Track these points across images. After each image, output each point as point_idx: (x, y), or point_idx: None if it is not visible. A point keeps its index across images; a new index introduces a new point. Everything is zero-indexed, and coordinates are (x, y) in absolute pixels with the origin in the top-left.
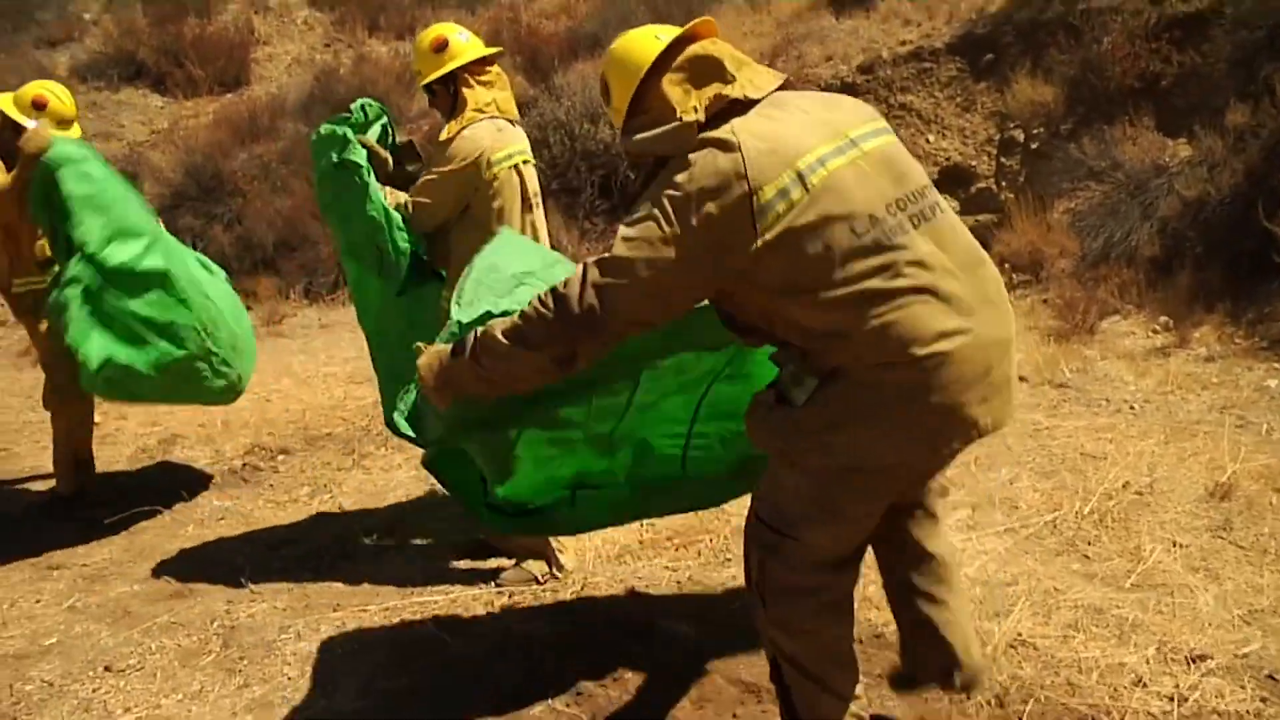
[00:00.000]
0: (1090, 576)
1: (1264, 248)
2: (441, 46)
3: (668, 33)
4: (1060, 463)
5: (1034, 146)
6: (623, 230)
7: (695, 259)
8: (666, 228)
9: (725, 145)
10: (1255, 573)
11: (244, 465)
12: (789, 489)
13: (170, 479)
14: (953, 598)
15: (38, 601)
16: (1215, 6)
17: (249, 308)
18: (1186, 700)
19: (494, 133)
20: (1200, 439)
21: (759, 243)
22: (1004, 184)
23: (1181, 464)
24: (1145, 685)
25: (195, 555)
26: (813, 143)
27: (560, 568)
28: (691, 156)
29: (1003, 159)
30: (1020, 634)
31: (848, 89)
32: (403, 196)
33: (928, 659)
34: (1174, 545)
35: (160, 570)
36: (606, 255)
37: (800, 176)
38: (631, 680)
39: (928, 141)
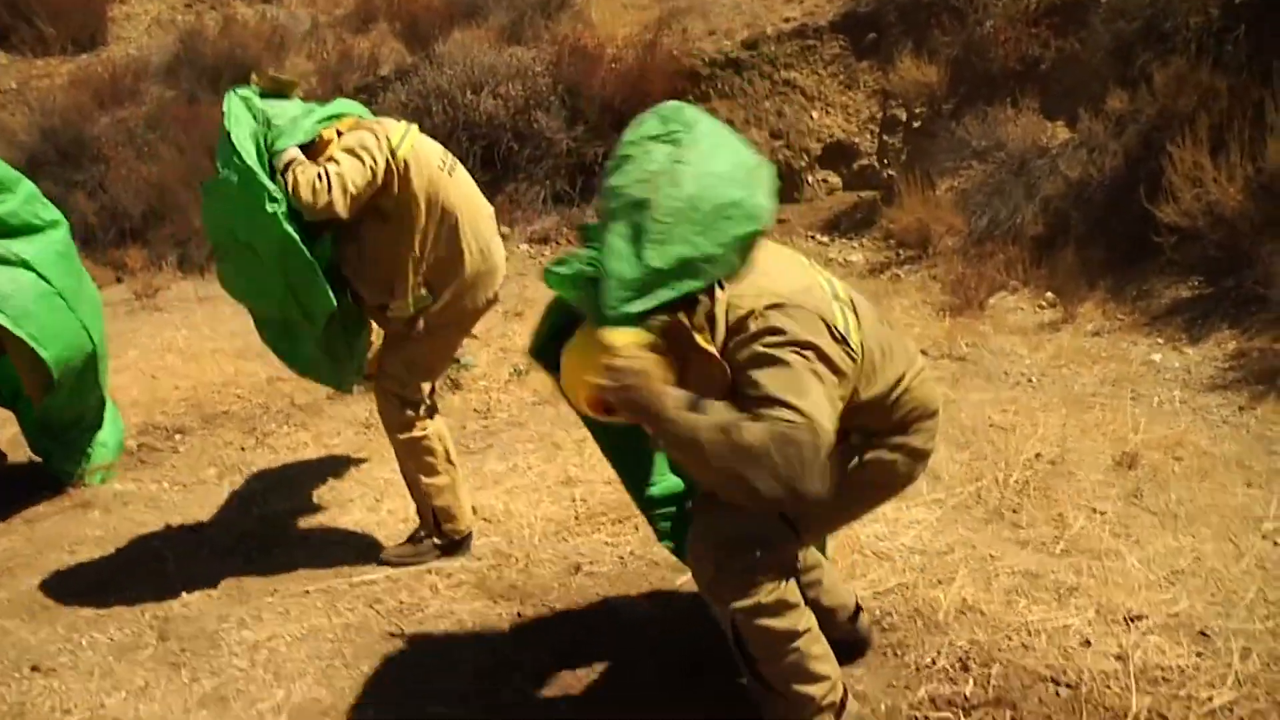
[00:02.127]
0: (1022, 543)
1: (1144, 228)
2: None
3: None
4: (973, 434)
5: (916, 125)
6: None
7: None
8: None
9: None
10: (1171, 536)
11: (139, 446)
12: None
13: None
14: (824, 574)
15: None
16: None
17: (119, 279)
18: (1131, 658)
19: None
20: (1098, 411)
21: None
22: (886, 161)
23: (1086, 435)
24: (1092, 645)
25: (108, 542)
26: None
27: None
28: None
29: (885, 137)
30: (965, 599)
31: (731, 64)
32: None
33: (827, 624)
34: (1094, 512)
35: (73, 560)
36: None
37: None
38: (594, 658)
39: (811, 118)
